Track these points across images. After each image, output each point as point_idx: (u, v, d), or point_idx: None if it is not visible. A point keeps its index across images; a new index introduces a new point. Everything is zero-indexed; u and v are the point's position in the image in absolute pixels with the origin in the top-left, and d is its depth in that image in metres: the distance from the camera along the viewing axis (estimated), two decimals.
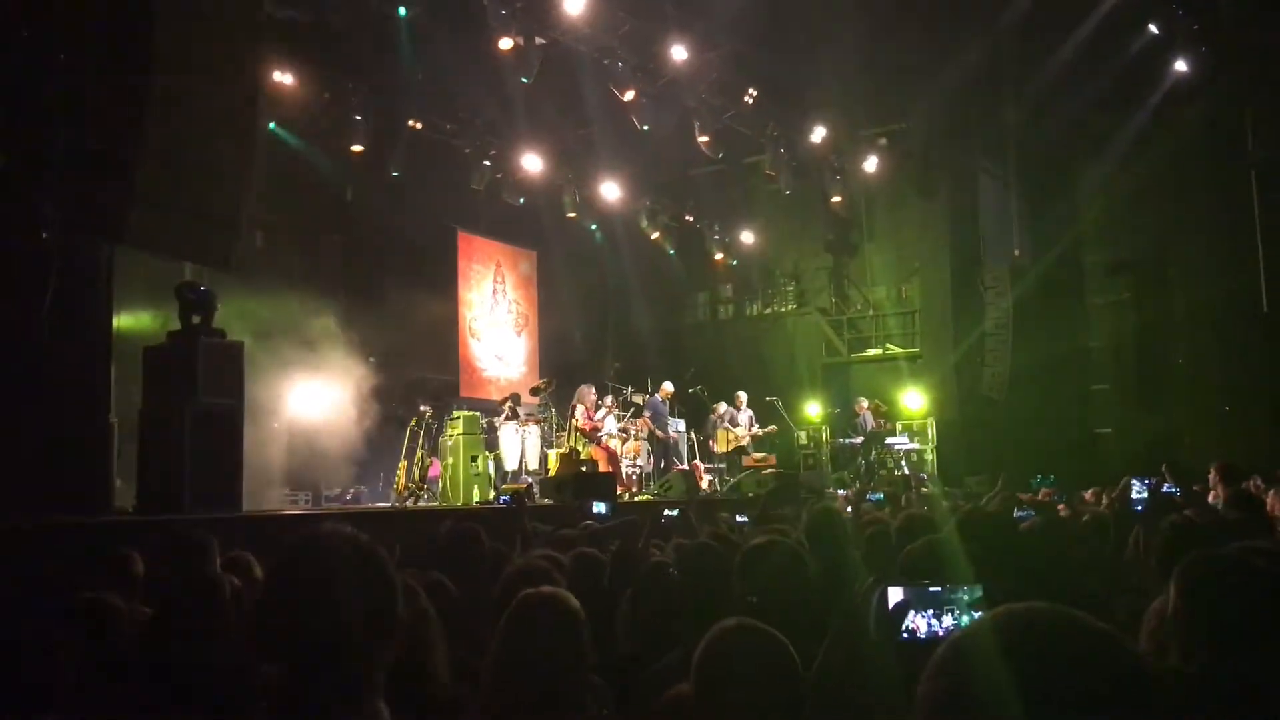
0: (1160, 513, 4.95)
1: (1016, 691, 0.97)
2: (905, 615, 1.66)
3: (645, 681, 2.73)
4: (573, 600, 2.53)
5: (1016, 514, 5.39)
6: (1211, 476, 7.01)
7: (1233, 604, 2.02)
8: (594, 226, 18.07)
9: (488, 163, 15.41)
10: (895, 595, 1.70)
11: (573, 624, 2.47)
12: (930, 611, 1.67)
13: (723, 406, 15.55)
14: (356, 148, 13.65)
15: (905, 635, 1.65)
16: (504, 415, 13.09)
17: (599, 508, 6.31)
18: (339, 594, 1.61)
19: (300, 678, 1.59)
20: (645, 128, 13.89)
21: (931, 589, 1.75)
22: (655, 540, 5.12)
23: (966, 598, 1.76)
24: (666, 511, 5.75)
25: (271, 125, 12.77)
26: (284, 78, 12.31)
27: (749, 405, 15.54)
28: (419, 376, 15.11)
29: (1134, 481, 6.02)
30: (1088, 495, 9.43)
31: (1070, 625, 1.04)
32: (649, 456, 14.28)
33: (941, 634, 1.64)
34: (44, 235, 7.71)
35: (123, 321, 10.17)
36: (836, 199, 17.13)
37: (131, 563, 4.16)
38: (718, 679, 2.00)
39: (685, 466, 14.13)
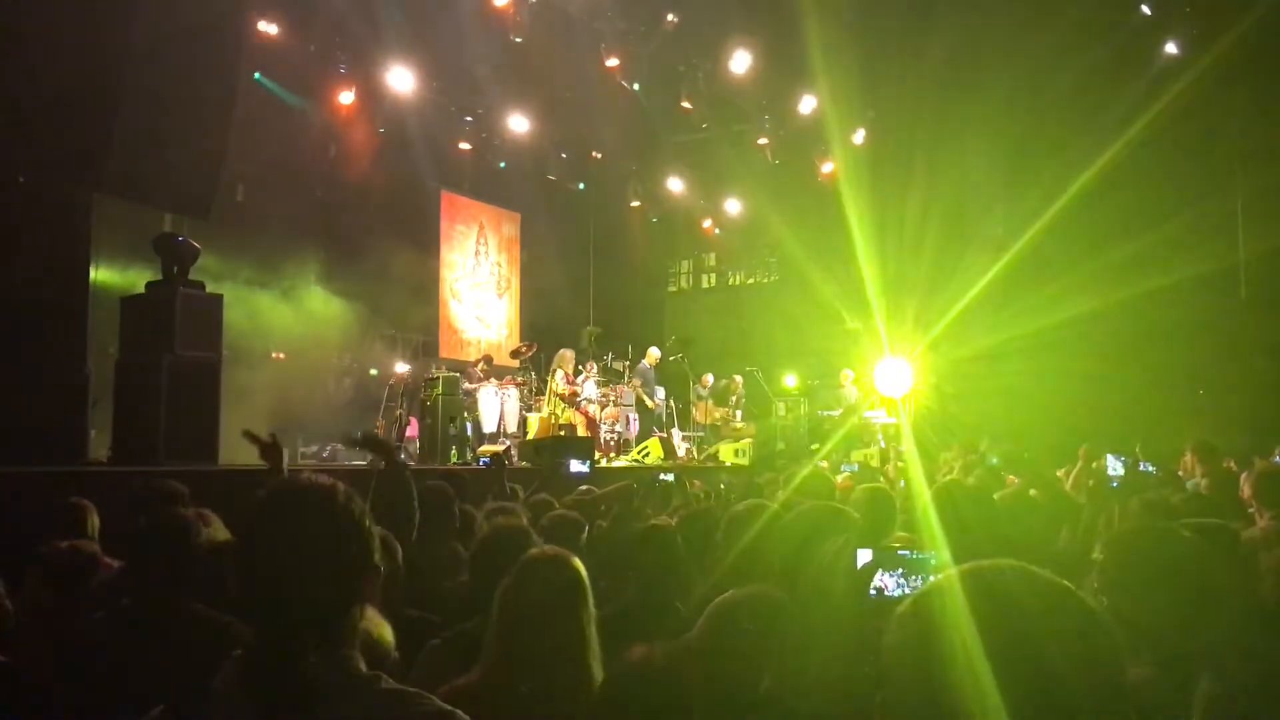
0: (1134, 491, 5.01)
1: (980, 640, 0.99)
2: (873, 574, 1.68)
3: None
4: (575, 559, 2.55)
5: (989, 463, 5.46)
6: (1187, 457, 6.99)
7: (1148, 567, 2.08)
8: (581, 185, 17.96)
9: (470, 118, 15.27)
10: (864, 556, 1.72)
11: (577, 582, 2.48)
12: (899, 571, 1.69)
13: (710, 379, 15.62)
14: (342, 101, 13.50)
15: (874, 593, 1.68)
16: (476, 376, 13.04)
17: (576, 466, 6.34)
18: (314, 544, 1.60)
19: (274, 627, 1.59)
20: (636, 86, 13.79)
21: (900, 551, 1.77)
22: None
23: (933, 561, 1.79)
24: (661, 476, 5.85)
25: (257, 75, 12.59)
26: (269, 28, 12.13)
27: (732, 388, 15.69)
28: (399, 336, 15.04)
29: (1109, 458, 6.07)
30: (1059, 473, 9.50)
31: (1033, 579, 1.06)
32: (628, 423, 14.32)
33: (909, 592, 1.67)
34: (20, 180, 7.61)
35: (101, 274, 10.07)
36: (825, 169, 17.11)
37: (85, 512, 4.14)
38: (728, 634, 2.03)
39: (664, 434, 14.19)
